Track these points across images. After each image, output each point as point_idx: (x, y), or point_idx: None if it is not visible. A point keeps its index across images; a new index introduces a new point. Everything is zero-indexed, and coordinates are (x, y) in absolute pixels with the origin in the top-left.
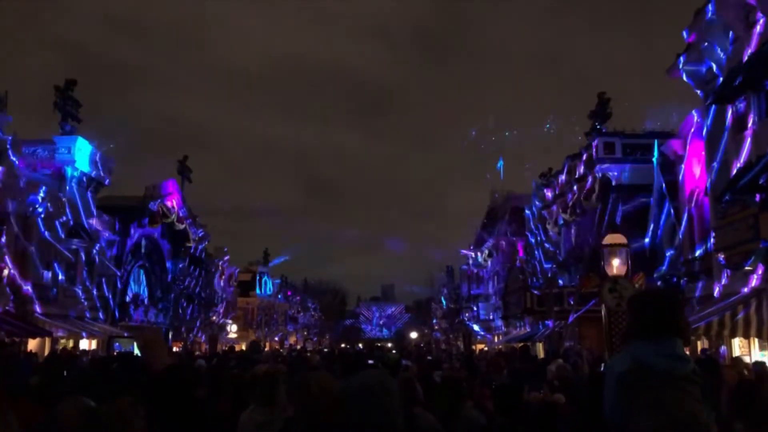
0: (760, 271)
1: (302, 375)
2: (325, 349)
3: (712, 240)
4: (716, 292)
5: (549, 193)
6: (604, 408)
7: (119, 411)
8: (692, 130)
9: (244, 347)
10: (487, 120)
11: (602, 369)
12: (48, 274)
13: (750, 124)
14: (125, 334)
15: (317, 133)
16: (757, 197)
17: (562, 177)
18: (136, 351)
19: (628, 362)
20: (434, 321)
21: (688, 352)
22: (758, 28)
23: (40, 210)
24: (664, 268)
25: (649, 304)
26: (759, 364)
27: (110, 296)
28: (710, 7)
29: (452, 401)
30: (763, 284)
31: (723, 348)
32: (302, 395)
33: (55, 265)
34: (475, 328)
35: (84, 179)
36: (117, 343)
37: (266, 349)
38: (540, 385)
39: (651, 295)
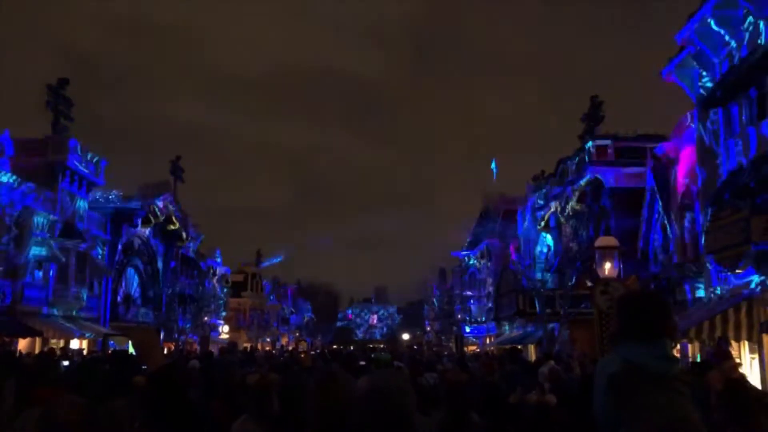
0: (750, 275)
1: (320, 379)
2: (317, 350)
3: (703, 243)
4: (707, 295)
5: (541, 196)
6: (594, 409)
7: (115, 412)
8: (684, 133)
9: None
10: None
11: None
12: (39, 274)
13: (741, 128)
14: (118, 334)
15: (311, 134)
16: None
17: (555, 179)
18: (131, 350)
19: (618, 364)
20: (426, 323)
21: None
22: (750, 32)
23: (31, 209)
24: (655, 270)
25: (638, 306)
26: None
27: (102, 296)
28: (703, 11)
29: (457, 407)
30: (753, 287)
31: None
32: (323, 400)
33: (47, 265)
34: (467, 329)
35: (76, 178)
36: (112, 341)
37: (258, 349)
38: (532, 387)
39: (639, 297)
